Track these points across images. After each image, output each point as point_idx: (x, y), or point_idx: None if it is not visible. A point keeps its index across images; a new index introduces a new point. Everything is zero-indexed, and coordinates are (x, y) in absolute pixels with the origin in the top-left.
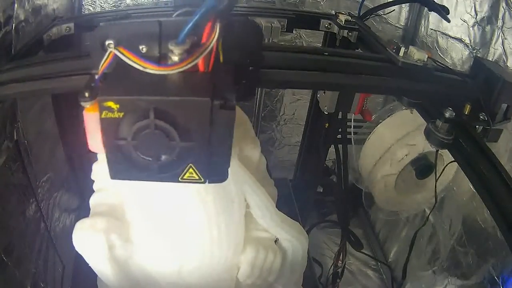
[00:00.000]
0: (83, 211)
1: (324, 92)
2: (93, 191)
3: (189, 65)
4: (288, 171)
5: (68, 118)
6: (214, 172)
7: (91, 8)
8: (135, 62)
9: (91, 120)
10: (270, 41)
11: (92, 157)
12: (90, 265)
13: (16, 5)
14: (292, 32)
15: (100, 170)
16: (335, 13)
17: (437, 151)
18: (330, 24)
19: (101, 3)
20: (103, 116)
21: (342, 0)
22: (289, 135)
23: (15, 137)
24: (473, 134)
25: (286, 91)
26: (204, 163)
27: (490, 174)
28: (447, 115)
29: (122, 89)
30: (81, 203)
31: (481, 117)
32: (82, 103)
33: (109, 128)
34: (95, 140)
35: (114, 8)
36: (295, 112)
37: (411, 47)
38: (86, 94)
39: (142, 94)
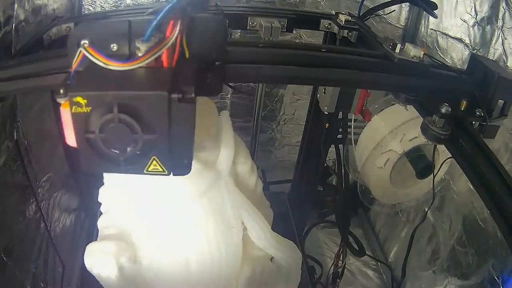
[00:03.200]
0: (83, 211)
1: (324, 92)
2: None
3: (149, 60)
4: (288, 171)
5: None
6: (177, 165)
7: (91, 8)
8: (98, 60)
9: (67, 116)
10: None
11: None
12: (100, 282)
13: (16, 5)
14: (292, 32)
15: (107, 193)
16: (335, 13)
17: (434, 146)
18: (330, 24)
19: (101, 3)
20: (73, 111)
21: (342, 0)
22: (289, 135)
23: (15, 137)
24: (469, 129)
25: (286, 91)
26: (167, 156)
27: (487, 169)
28: (443, 110)
29: (90, 85)
30: (81, 203)
31: (477, 113)
32: (58, 99)
33: (79, 122)
34: (70, 135)
35: (114, 8)
36: (295, 112)
37: (407, 44)
38: (61, 91)
39: (106, 89)
